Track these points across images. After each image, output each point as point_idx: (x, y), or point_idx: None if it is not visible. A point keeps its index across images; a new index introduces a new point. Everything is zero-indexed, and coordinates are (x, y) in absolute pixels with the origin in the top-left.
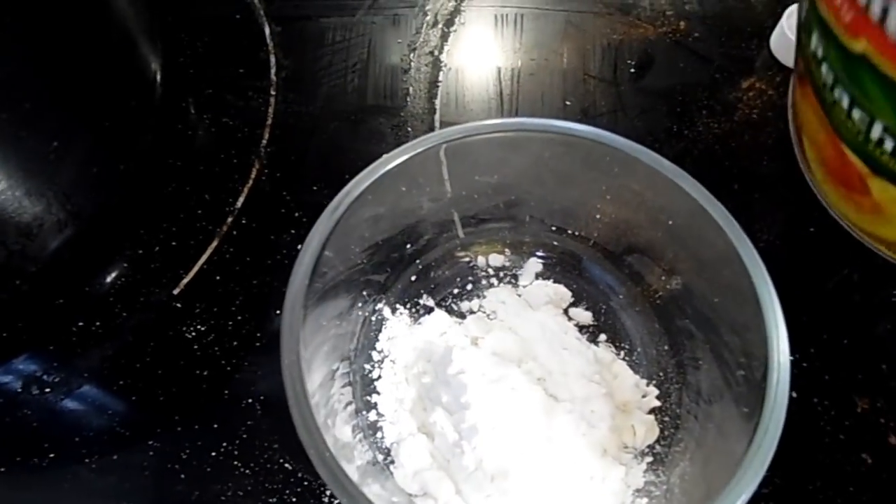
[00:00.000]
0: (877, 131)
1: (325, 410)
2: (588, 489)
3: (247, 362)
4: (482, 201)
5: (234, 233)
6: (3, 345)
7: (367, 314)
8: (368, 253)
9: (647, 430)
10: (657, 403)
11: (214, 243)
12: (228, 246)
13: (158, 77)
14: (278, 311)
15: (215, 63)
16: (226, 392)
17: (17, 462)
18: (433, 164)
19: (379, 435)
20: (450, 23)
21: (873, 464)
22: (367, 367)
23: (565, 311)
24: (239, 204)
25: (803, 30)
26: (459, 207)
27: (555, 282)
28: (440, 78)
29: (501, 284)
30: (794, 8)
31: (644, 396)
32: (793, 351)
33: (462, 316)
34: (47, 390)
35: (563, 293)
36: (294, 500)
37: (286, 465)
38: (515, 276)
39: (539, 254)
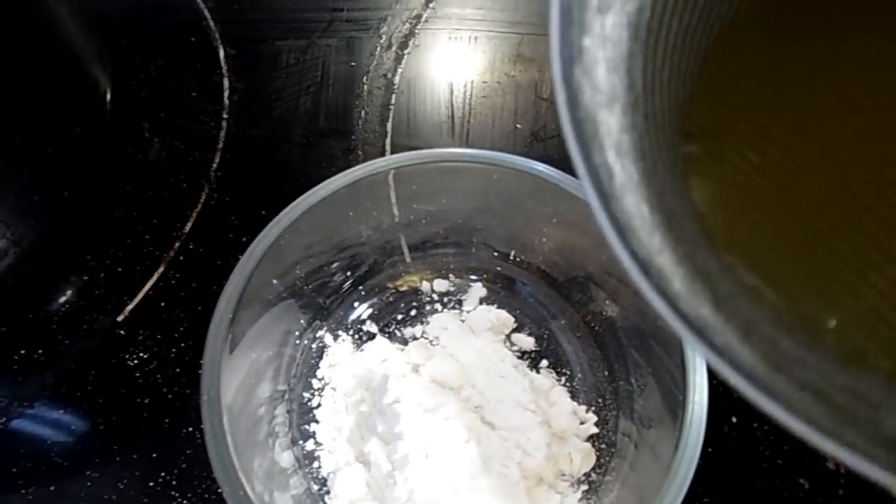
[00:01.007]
0: None
1: (266, 432)
2: None
3: (188, 390)
4: (429, 226)
5: (181, 258)
6: None
7: (307, 342)
8: (311, 277)
9: (583, 458)
10: (595, 430)
11: (161, 269)
12: (175, 271)
13: (108, 100)
14: None
15: (168, 86)
16: (166, 420)
17: None
18: (381, 188)
19: (316, 465)
20: (404, 45)
21: (810, 489)
22: (307, 395)
23: (508, 337)
24: (187, 229)
25: None
26: (406, 232)
27: (498, 307)
28: (392, 101)
29: (445, 310)
30: None
31: (582, 423)
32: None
33: (405, 342)
34: None
35: (506, 319)
36: None
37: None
38: (460, 302)
39: (484, 279)
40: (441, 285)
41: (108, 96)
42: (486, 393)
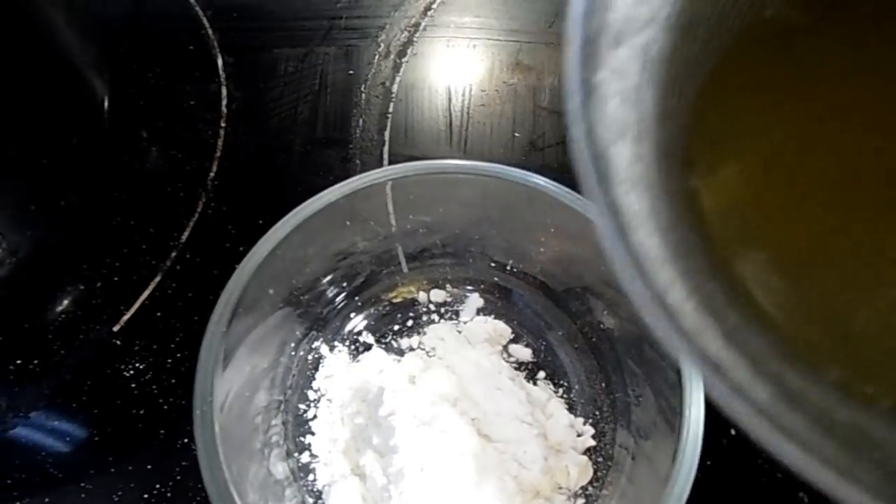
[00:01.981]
0: None
1: (262, 442)
2: None
3: (184, 401)
4: (426, 237)
5: (178, 267)
6: None
7: (303, 352)
8: (308, 287)
9: (580, 471)
10: (592, 443)
11: (157, 278)
12: (171, 281)
13: (106, 108)
14: None
15: (166, 94)
16: (162, 431)
17: None
18: (379, 198)
19: (311, 477)
20: (402, 53)
21: (810, 502)
22: (303, 406)
23: (505, 348)
24: (184, 238)
25: None
26: (403, 242)
27: (496, 317)
28: (391, 109)
29: (442, 320)
30: None
31: (579, 436)
32: None
33: (401, 353)
34: None
35: (503, 330)
36: None
37: None
38: (457, 312)
39: (481, 290)
40: (438, 296)
41: (106, 104)
42: (482, 405)
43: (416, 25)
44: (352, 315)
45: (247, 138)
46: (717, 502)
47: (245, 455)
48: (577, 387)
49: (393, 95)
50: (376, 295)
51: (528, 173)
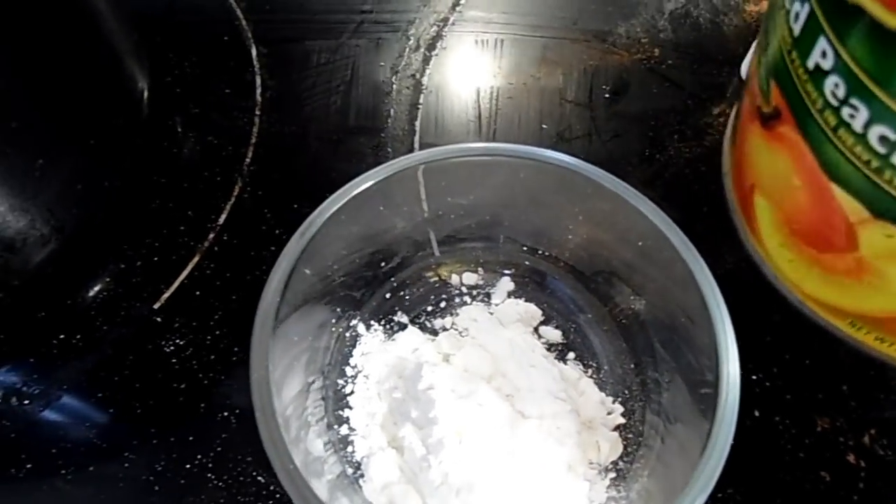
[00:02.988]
0: None
1: (298, 423)
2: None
3: (223, 376)
4: (457, 221)
5: (216, 249)
6: None
7: (341, 330)
8: (344, 270)
9: (611, 447)
10: (622, 421)
11: (196, 259)
12: (209, 262)
13: (145, 95)
14: None
15: (202, 83)
16: (202, 405)
17: None
18: (411, 184)
19: (350, 449)
20: (431, 47)
21: (832, 482)
22: (341, 381)
23: (535, 330)
24: (221, 220)
25: (791, 51)
26: (435, 227)
27: (526, 300)
28: (421, 101)
29: (474, 303)
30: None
31: (609, 414)
32: (755, 371)
33: (435, 333)
34: (26, 402)
35: (534, 312)
36: None
37: (259, 478)
38: (488, 295)
39: (512, 273)
40: (470, 279)
41: (146, 92)
42: (516, 382)
43: (445, 20)
44: (387, 296)
45: (281, 126)
46: (742, 480)
47: (291, 428)
48: (605, 367)
49: (423, 87)
50: (409, 277)
51: (560, 154)
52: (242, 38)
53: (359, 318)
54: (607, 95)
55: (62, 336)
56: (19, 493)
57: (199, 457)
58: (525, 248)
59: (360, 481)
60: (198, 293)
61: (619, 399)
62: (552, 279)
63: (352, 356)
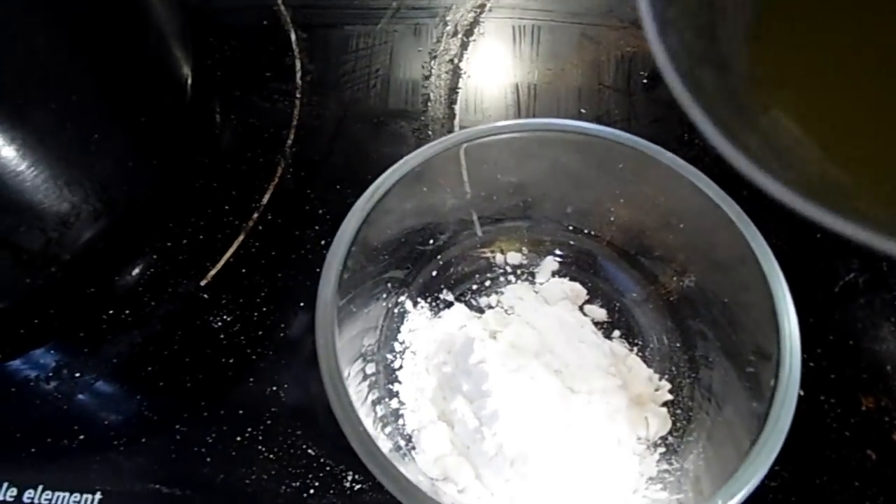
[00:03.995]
0: None
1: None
2: (603, 477)
3: (271, 352)
4: (500, 201)
5: (260, 228)
6: (35, 330)
7: (389, 307)
8: (392, 249)
9: (660, 423)
10: (669, 397)
11: (241, 237)
12: (254, 240)
13: (189, 78)
14: (302, 304)
15: (243, 67)
16: (251, 380)
17: (47, 443)
18: (453, 164)
19: (400, 422)
20: (469, 33)
21: (878, 460)
22: (390, 357)
23: (580, 308)
24: (265, 201)
25: None
26: (478, 207)
27: (571, 279)
28: (459, 85)
29: (519, 281)
30: None
31: (657, 390)
32: (801, 351)
33: (481, 310)
34: (77, 375)
35: (579, 290)
36: (316, 484)
37: (309, 450)
38: (532, 274)
39: (556, 252)
40: (514, 258)
41: (189, 75)
42: (565, 358)
43: (482, 6)
44: (433, 274)
45: (322, 109)
46: (790, 459)
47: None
48: (652, 345)
49: (462, 72)
50: (455, 256)
51: (604, 127)
52: (281, 22)
53: (406, 295)
54: (645, 81)
55: (111, 311)
56: (73, 462)
57: (249, 429)
58: (569, 228)
59: (413, 453)
60: (243, 271)
61: (667, 376)
62: (596, 258)
63: (399, 332)
